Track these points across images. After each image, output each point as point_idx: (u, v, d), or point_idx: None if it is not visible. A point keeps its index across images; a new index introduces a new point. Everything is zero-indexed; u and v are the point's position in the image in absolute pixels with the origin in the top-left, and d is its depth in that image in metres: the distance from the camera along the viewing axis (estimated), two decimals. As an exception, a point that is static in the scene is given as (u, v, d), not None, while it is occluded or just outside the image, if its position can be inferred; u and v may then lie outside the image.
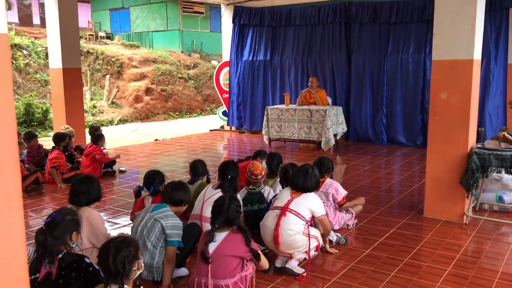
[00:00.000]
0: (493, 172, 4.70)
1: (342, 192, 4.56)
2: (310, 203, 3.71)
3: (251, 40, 11.24)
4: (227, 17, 11.65)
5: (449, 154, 4.81)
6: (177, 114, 16.45)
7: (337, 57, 10.03)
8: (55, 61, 8.29)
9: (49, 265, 2.69)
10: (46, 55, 13.63)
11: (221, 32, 12.60)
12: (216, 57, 20.33)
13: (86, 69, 15.64)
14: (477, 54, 4.73)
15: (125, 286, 2.39)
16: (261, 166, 4.41)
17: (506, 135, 4.69)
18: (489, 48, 8.31)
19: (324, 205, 3.91)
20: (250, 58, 11.26)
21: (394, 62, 9.38)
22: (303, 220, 3.66)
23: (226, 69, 11.90)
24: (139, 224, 3.39)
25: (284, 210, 3.65)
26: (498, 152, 4.54)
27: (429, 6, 8.65)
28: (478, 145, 4.86)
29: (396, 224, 4.81)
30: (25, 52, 14.73)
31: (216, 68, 12.68)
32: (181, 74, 17.95)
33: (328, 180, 4.60)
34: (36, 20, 21.93)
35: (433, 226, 4.73)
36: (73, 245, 2.82)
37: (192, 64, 19.16)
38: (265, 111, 9.36)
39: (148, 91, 16.33)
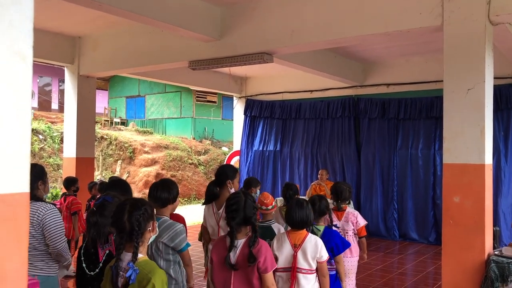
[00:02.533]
0: (513, 282, 4.47)
1: (361, 222, 4.65)
2: (313, 251, 3.38)
3: (262, 131, 11.48)
4: (239, 108, 12.01)
5: (466, 261, 4.63)
6: (185, 200, 16.39)
7: (347, 150, 10.13)
8: (70, 150, 8.45)
9: (106, 245, 2.82)
10: (61, 140, 13.97)
11: (232, 120, 12.94)
12: (226, 143, 20.70)
13: (99, 154, 15.92)
14: (488, 159, 4.73)
15: (140, 251, 2.30)
16: (271, 196, 4.17)
17: (524, 242, 4.53)
18: (499, 146, 8.35)
19: (347, 235, 4.31)
20: (261, 148, 11.42)
21: (403, 157, 9.43)
22: (312, 273, 3.39)
23: (237, 158, 12.04)
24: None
25: (293, 272, 3.33)
26: (517, 261, 4.36)
27: (436, 103, 8.85)
28: (496, 252, 4.69)
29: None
30: (41, 137, 15.15)
31: (227, 157, 12.84)
32: (191, 160, 18.17)
33: (349, 209, 4.66)
34: (54, 105, 22.82)
35: None
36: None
37: (203, 150, 19.46)
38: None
39: (158, 176, 16.42)
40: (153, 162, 16.99)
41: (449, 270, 4.74)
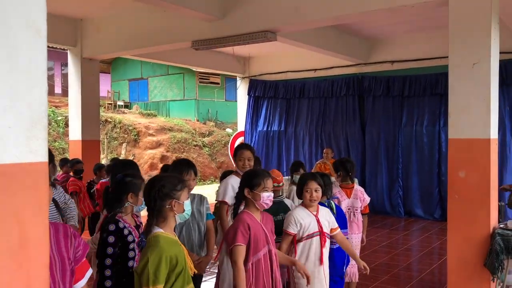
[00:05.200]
0: (518, 254, 4.52)
1: (367, 198, 4.71)
2: (328, 215, 3.55)
3: (266, 111, 11.48)
4: (242, 89, 11.98)
5: (471, 234, 4.67)
6: (191, 182, 16.49)
7: (351, 129, 10.13)
8: (75, 133, 8.49)
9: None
10: (66, 124, 14.03)
11: (235, 101, 12.93)
12: (230, 125, 20.72)
13: (104, 137, 15.98)
14: (494, 133, 4.73)
15: (161, 227, 2.36)
16: (280, 173, 4.28)
17: (529, 215, 4.56)
18: (504, 122, 8.33)
19: (356, 211, 4.45)
20: (265, 129, 11.43)
21: (408, 134, 9.42)
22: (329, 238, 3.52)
23: (241, 138, 12.07)
24: None
25: (323, 236, 3.41)
26: (524, 234, 4.40)
27: (441, 80, 8.81)
28: (501, 225, 4.73)
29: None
30: (46, 121, 15.17)
31: (232, 137, 12.87)
32: (196, 142, 18.22)
33: (356, 186, 4.72)
34: (58, 90, 22.81)
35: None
36: (126, 205, 2.86)
37: (207, 132, 19.50)
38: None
39: (163, 158, 16.51)
40: (158, 144, 17.06)
41: (455, 244, 4.79)
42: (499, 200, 5.66)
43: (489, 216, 4.61)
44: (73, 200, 4.92)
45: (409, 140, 9.42)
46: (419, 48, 9.20)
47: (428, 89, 9.17)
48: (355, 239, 4.63)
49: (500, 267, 4.45)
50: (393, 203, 9.52)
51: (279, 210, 3.89)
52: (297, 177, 4.81)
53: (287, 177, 6.16)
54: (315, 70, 10.65)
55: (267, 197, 2.96)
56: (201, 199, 3.59)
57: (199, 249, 3.59)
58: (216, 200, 4.04)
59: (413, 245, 7.29)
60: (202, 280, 3.96)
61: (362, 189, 4.79)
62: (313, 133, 10.75)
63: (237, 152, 3.96)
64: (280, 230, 3.62)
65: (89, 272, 2.02)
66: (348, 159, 5.06)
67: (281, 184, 4.10)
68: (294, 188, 4.74)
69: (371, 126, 9.90)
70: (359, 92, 10.09)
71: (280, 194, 4.17)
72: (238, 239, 2.83)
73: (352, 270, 4.57)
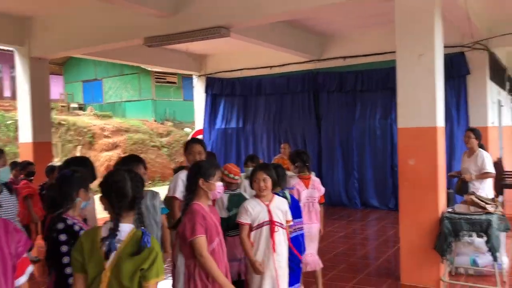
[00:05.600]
0: (464, 236, 4.75)
1: (322, 189, 4.76)
2: (284, 205, 3.59)
3: (224, 109, 11.48)
4: (199, 87, 11.93)
5: (421, 219, 4.87)
6: (149, 183, 16.25)
7: (307, 124, 10.29)
8: (25, 135, 8.20)
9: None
10: (16, 127, 13.49)
11: (194, 100, 12.84)
12: (189, 124, 20.55)
13: (57, 140, 15.48)
14: (440, 121, 4.95)
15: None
16: (237, 166, 4.26)
17: (474, 199, 4.80)
18: (451, 113, 8.70)
19: (314, 202, 4.52)
20: (223, 126, 11.44)
21: (362, 128, 9.67)
22: (284, 229, 3.56)
23: (199, 137, 12.00)
24: None
25: (273, 225, 3.44)
26: (468, 216, 4.62)
27: (392, 75, 9.04)
28: (449, 209, 4.94)
29: (374, 293, 4.74)
30: (-6, 125, 14.56)
31: (190, 136, 12.77)
32: (154, 142, 17.96)
33: (313, 177, 4.74)
34: (7, 93, 21.88)
35: (411, 293, 4.68)
36: (76, 201, 2.75)
37: (165, 132, 19.26)
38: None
39: (120, 160, 16.18)
40: (114, 146, 16.69)
41: (406, 229, 4.98)
42: (448, 188, 5.92)
43: (438, 201, 4.82)
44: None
45: (363, 133, 9.67)
46: (370, 44, 9.45)
47: (380, 83, 9.44)
48: (314, 228, 4.71)
49: (448, 249, 4.67)
50: (350, 195, 9.76)
51: (240, 202, 3.86)
52: (248, 170, 4.85)
53: (243, 173, 6.18)
54: (271, 67, 10.74)
55: (220, 186, 2.98)
56: (153, 194, 3.56)
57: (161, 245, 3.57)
58: (167, 196, 3.99)
59: (369, 234, 7.50)
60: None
61: (318, 180, 4.89)
62: (271, 130, 10.84)
63: (188, 146, 3.95)
64: None
65: (30, 268, 1.96)
66: (304, 151, 5.15)
67: (236, 177, 4.12)
68: (246, 182, 4.79)
69: (326, 121, 10.09)
70: (314, 88, 10.26)
71: (237, 187, 4.20)
72: (198, 231, 2.83)
73: (314, 259, 4.65)
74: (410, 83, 4.93)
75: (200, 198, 2.98)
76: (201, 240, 2.82)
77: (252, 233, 3.43)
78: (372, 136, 9.58)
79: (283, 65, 10.49)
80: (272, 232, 3.44)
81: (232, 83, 11.24)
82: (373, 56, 9.42)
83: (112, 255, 2.10)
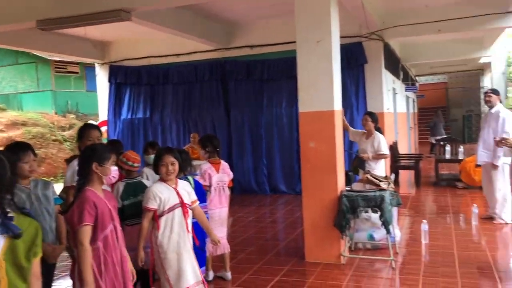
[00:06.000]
0: (361, 212, 5.07)
1: (231, 173, 4.87)
2: (188, 187, 3.60)
3: (129, 99, 11.10)
4: (102, 76, 11.40)
5: (322, 199, 5.10)
6: (51, 179, 15.27)
7: (217, 113, 10.30)
8: None
9: None
10: None
11: (97, 90, 12.24)
12: (93, 117, 19.54)
13: None
14: (338, 105, 5.20)
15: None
16: (137, 154, 4.11)
17: (369, 177, 5.13)
18: (351, 101, 9.20)
19: (224, 186, 4.65)
20: (129, 117, 11.06)
21: (269, 116, 9.89)
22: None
23: (104, 128, 11.48)
24: None
25: (184, 207, 3.44)
26: (364, 193, 4.93)
27: (296, 64, 9.35)
28: (347, 188, 5.24)
29: (280, 271, 4.89)
30: None
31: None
32: (55, 136, 16.88)
33: (222, 162, 4.77)
34: None
35: (314, 269, 4.89)
36: None
37: (68, 126, 18.19)
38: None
39: (17, 156, 15.00)
40: (10, 141, 15.42)
41: (309, 209, 5.19)
42: (349, 170, 6.27)
43: (336, 180, 5.07)
44: None
45: (271, 121, 9.90)
46: (276, 33, 9.64)
47: (286, 72, 9.68)
48: (224, 212, 4.76)
49: (347, 226, 4.95)
50: (259, 181, 9.96)
51: (137, 191, 3.84)
52: (149, 158, 4.73)
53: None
54: (178, 55, 10.56)
55: (114, 171, 2.88)
56: (45, 184, 3.34)
57: (54, 237, 3.35)
58: (65, 186, 3.77)
59: (277, 218, 7.72)
60: (55, 269, 3.70)
61: (227, 164, 4.93)
62: (180, 119, 10.70)
63: (84, 132, 3.73)
64: (140, 211, 3.56)
65: None
66: (214, 135, 5.18)
67: (136, 164, 4.00)
68: (147, 169, 4.68)
69: (235, 110, 10.17)
70: (222, 76, 10.27)
71: (136, 176, 4.07)
72: (86, 219, 2.70)
73: (224, 242, 4.69)
74: (309, 68, 5.11)
75: (94, 183, 2.85)
76: (86, 229, 2.71)
77: (164, 218, 3.37)
78: (279, 124, 9.84)
79: (191, 53, 10.36)
80: (185, 214, 3.43)
81: (138, 72, 10.89)
82: (278, 45, 9.63)
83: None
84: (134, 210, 3.72)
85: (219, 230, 4.66)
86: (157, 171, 3.52)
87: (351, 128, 6.45)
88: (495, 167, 6.47)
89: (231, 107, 10.21)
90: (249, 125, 10.06)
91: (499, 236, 5.95)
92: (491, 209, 6.74)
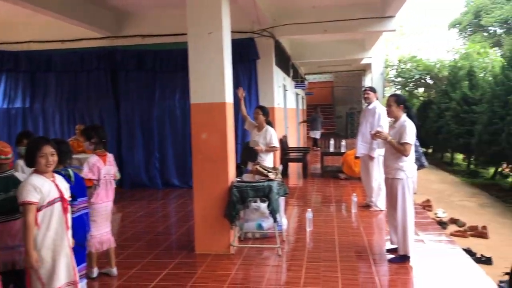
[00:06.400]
0: (251, 202, 5.20)
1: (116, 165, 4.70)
2: (64, 182, 3.36)
3: (5, 87, 10.11)
4: (-28, 61, 10.23)
5: (213, 190, 5.14)
6: None
7: (105, 104, 9.82)
8: None
9: None
10: None
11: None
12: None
13: None
14: (229, 98, 5.26)
15: None
16: (8, 145, 3.72)
17: (259, 168, 5.27)
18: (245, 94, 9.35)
19: (111, 178, 4.49)
20: (5, 106, 10.08)
21: (162, 108, 9.69)
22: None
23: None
24: None
25: (65, 202, 3.21)
26: (254, 184, 5.06)
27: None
28: (238, 179, 5.33)
29: (169, 265, 4.83)
30: None
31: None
32: None
33: (108, 154, 4.58)
34: None
35: (204, 261, 4.91)
36: None
37: None
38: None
39: None
40: None
41: (200, 201, 5.19)
42: (241, 163, 6.40)
43: (228, 172, 5.14)
44: None
45: (163, 114, 9.69)
46: (170, 24, 9.45)
47: (179, 64, 9.54)
48: (110, 206, 4.57)
49: (237, 216, 5.05)
50: (151, 175, 9.72)
51: (9, 186, 3.49)
52: (23, 149, 4.36)
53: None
54: (63, 41, 9.87)
55: None
56: None
57: None
58: None
59: (169, 211, 7.60)
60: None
61: (112, 155, 4.73)
62: (64, 110, 10.01)
63: None
64: (12, 207, 3.27)
65: None
66: (101, 126, 4.93)
67: (9, 156, 3.65)
68: (22, 162, 4.33)
69: (126, 101, 9.79)
70: (111, 66, 9.81)
71: (8, 169, 3.71)
72: None
73: (110, 237, 4.51)
74: (201, 59, 5.10)
75: None
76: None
77: (41, 212, 3.08)
78: (172, 116, 9.69)
79: (77, 40, 9.75)
80: (65, 209, 3.19)
81: (16, 57, 9.97)
82: (172, 36, 9.45)
83: None
84: (6, 207, 3.40)
85: (105, 225, 4.48)
86: (30, 163, 3.24)
87: (248, 118, 6.61)
88: (371, 158, 7.06)
89: (121, 98, 9.81)
90: (140, 117, 9.75)
91: (374, 222, 6.50)
92: (368, 197, 7.35)
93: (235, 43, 9.17)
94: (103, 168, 4.42)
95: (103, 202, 4.43)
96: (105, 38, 9.66)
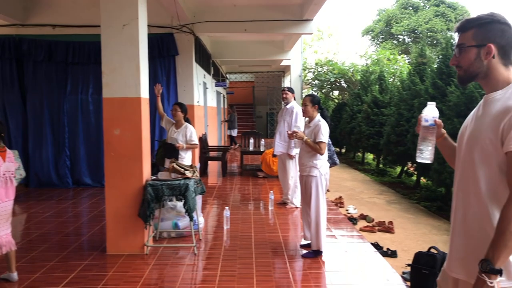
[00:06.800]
0: (166, 201, 5.07)
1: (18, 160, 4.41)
2: None
3: None
4: None
5: (127, 189, 4.94)
6: None
7: (10, 97, 9.09)
8: None
9: None
10: None
11: None
12: None
13: None
14: (144, 93, 5.08)
15: None
16: None
17: (175, 166, 5.16)
18: (162, 90, 9.14)
19: (12, 175, 4.18)
20: None
21: (74, 102, 9.17)
22: None
23: None
24: None
25: None
26: (169, 182, 4.94)
27: (105, 49, 8.88)
28: (153, 177, 5.18)
29: (78, 267, 4.56)
30: None
31: None
32: None
33: (8, 149, 4.25)
34: None
35: (115, 262, 4.71)
36: None
37: None
38: None
39: None
40: None
41: (112, 200, 4.96)
42: (155, 159, 6.23)
43: (142, 169, 4.97)
44: None
45: (75, 108, 9.18)
46: (83, 14, 9.00)
47: (93, 56, 9.11)
48: (10, 206, 4.22)
49: (152, 215, 4.89)
50: (61, 173, 9.16)
51: None
52: None
53: None
54: (-40, 26, 8.99)
55: None
56: None
57: None
58: None
59: (80, 211, 7.21)
60: None
61: (11, 151, 4.37)
62: (-39, 102, 9.13)
63: None
64: None
65: None
66: None
67: None
68: None
69: (33, 94, 9.13)
70: (17, 55, 9.10)
71: None
72: None
73: (10, 239, 4.16)
74: (115, 52, 4.89)
75: None
76: None
77: None
78: (85, 112, 9.21)
79: (-24, 26, 8.94)
80: None
81: None
82: (85, 27, 9.00)
83: None
84: None
85: (5, 226, 4.13)
86: None
87: (166, 115, 6.49)
88: (290, 157, 7.22)
89: (28, 91, 9.13)
90: (49, 112, 9.15)
91: (290, 219, 6.65)
92: (285, 195, 7.50)
93: (154, 38, 9.05)
94: (2, 165, 4.08)
95: (3, 201, 4.09)
96: (11, 25, 8.95)
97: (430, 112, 2.05)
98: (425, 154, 2.05)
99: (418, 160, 2.07)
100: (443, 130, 2.16)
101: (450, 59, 9.10)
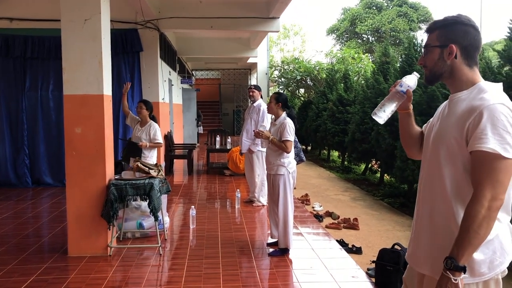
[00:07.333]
0: (130, 201, 4.96)
1: None
2: None
3: None
4: None
5: (89, 189, 4.80)
6: None
7: (-36, 93, 8.68)
8: None
9: None
10: None
11: None
12: None
13: None
14: (107, 90, 4.95)
15: None
16: None
17: (140, 165, 5.05)
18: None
19: None
20: None
21: (33, 99, 8.85)
22: None
23: None
24: None
25: None
26: (134, 181, 4.83)
27: (66, 44, 8.61)
28: (116, 177, 5.05)
29: (37, 270, 4.40)
30: None
31: None
32: None
33: None
34: None
35: (77, 264, 4.56)
36: None
37: None
38: None
39: None
40: None
41: (74, 200, 4.81)
42: (121, 160, 6.08)
43: (105, 169, 4.83)
44: None
45: (35, 105, 8.86)
46: (43, 8, 8.69)
47: (53, 51, 8.81)
48: None
49: (115, 215, 4.77)
50: (19, 173, 8.83)
51: None
52: None
53: None
54: None
55: None
56: None
57: None
58: None
59: (40, 212, 6.97)
60: None
61: None
62: None
63: None
64: None
65: None
66: None
67: None
68: None
69: (-11, 90, 8.76)
70: (-29, 50, 8.71)
71: None
72: None
73: None
74: (76, 47, 4.73)
75: None
76: None
77: None
78: (45, 109, 8.90)
79: None
80: None
81: None
82: (45, 21, 8.68)
83: None
84: None
85: None
86: None
87: (131, 112, 6.36)
88: (250, 151, 7.23)
89: (-15, 86, 8.75)
90: (7, 109, 8.79)
91: (257, 217, 6.64)
92: (251, 193, 7.49)
93: (117, 33, 8.84)
94: None
95: None
96: (-36, 18, 8.55)
97: (409, 81, 2.05)
98: (381, 114, 2.04)
99: (373, 116, 2.05)
100: (411, 106, 2.18)
101: (412, 59, 9.25)
